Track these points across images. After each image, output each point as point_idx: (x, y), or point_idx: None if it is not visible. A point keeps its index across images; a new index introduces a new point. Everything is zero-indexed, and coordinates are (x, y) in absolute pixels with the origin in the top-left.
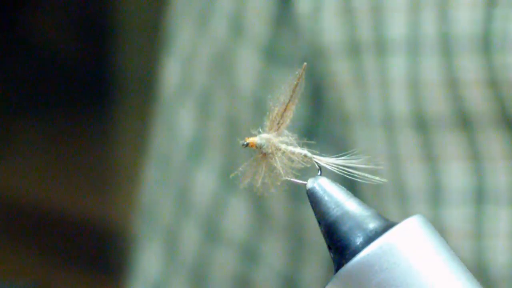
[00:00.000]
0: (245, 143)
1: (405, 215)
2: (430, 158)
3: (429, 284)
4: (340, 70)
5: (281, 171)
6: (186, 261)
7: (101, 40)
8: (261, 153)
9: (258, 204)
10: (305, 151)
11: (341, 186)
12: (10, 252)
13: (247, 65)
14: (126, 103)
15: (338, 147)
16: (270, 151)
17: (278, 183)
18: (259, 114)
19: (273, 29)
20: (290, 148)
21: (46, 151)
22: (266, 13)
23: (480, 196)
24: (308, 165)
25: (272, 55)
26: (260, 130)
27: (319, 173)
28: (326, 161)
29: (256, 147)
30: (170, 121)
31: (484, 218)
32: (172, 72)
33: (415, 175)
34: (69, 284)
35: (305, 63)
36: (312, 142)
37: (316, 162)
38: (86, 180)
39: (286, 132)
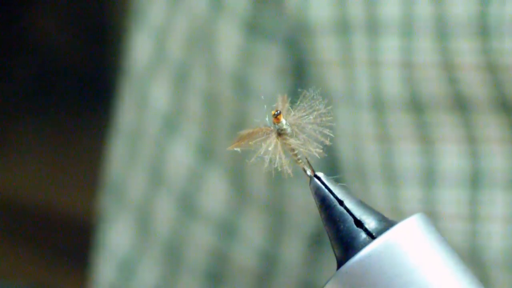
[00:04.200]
0: (278, 112)
1: (398, 197)
2: (424, 139)
3: (429, 283)
4: (326, 47)
5: (302, 150)
6: (159, 238)
7: (102, 40)
8: (277, 132)
9: (237, 179)
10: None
11: (339, 185)
12: (10, 252)
13: (227, 39)
14: (118, 89)
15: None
16: (289, 131)
17: (291, 164)
18: (239, 89)
19: (255, 3)
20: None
21: (46, 151)
22: None
23: (475, 179)
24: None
25: (254, 29)
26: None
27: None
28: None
29: (280, 122)
30: (141, 95)
31: (479, 201)
32: (143, 45)
33: (408, 157)
34: (68, 284)
35: (285, 95)
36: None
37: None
38: (87, 181)
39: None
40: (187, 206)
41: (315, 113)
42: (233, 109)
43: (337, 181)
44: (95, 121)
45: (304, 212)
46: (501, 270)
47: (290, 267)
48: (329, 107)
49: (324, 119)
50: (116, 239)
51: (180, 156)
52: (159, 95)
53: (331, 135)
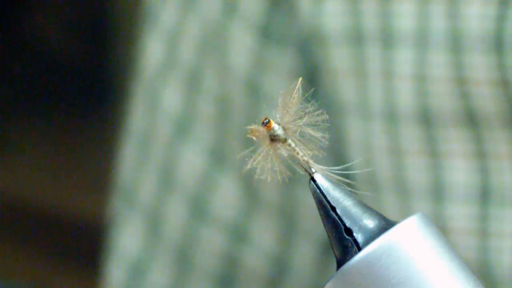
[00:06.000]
0: (267, 120)
1: (407, 211)
2: (435, 154)
3: (429, 283)
4: (339, 57)
5: (300, 155)
6: (170, 241)
7: (101, 40)
8: (271, 139)
9: (248, 183)
10: (307, 158)
11: (340, 184)
12: (9, 252)
13: (240, 43)
14: (129, 92)
15: (332, 137)
16: (283, 136)
17: (285, 170)
18: (251, 93)
19: (269, 8)
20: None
21: (46, 151)
22: None
23: (485, 195)
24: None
25: (267, 34)
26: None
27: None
28: (321, 169)
29: (271, 129)
30: (153, 99)
31: (489, 217)
32: (155, 48)
33: (418, 171)
34: (68, 284)
35: (300, 78)
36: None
37: (308, 169)
38: (87, 181)
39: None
40: (198, 209)
41: (309, 114)
42: (244, 113)
43: (345, 170)
44: (98, 122)
45: (315, 217)
46: (511, 286)
47: (300, 271)
48: (322, 109)
49: (318, 119)
50: (127, 242)
51: (191, 160)
52: (171, 98)
53: (326, 136)
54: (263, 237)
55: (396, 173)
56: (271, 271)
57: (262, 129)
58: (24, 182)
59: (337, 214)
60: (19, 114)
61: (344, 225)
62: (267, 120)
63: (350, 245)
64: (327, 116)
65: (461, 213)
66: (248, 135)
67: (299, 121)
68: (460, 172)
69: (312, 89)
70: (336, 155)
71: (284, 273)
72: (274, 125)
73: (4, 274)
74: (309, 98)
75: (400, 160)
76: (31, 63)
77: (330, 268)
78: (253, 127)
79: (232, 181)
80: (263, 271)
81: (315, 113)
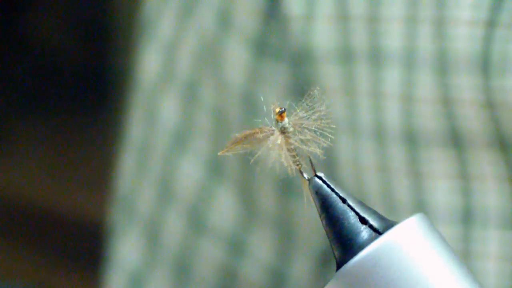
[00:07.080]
0: (283, 109)
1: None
2: (419, 174)
3: (429, 283)
4: (328, 75)
5: (304, 149)
6: (168, 253)
7: (101, 40)
8: (281, 131)
9: (246, 195)
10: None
11: (339, 185)
12: (9, 252)
13: (235, 57)
14: (127, 103)
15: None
16: (291, 129)
17: (293, 164)
18: (246, 105)
19: (262, 25)
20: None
21: (46, 151)
22: (255, 8)
23: (468, 216)
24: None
25: (261, 48)
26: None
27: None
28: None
29: (283, 120)
30: (150, 110)
31: (472, 238)
32: (152, 59)
33: (402, 190)
34: (68, 284)
35: (277, 103)
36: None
37: (301, 172)
38: (87, 181)
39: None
40: (196, 221)
41: (317, 114)
42: (241, 126)
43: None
44: (98, 122)
45: (313, 229)
46: None
47: (298, 283)
48: (331, 108)
49: (325, 120)
50: (125, 253)
51: (189, 171)
52: (168, 110)
53: (332, 136)
54: (261, 249)
55: (382, 192)
56: (268, 283)
57: (266, 128)
58: (24, 182)
59: (349, 205)
60: (19, 114)
61: (359, 214)
62: (283, 109)
63: (365, 233)
64: (333, 120)
65: (444, 234)
66: (222, 152)
67: (306, 119)
68: (443, 193)
69: (322, 90)
70: (324, 172)
71: (281, 285)
72: (286, 118)
73: (4, 274)
74: (318, 97)
75: (386, 179)
76: (31, 64)
77: (328, 279)
78: (255, 129)
79: (229, 192)
80: (261, 282)
81: (325, 114)
